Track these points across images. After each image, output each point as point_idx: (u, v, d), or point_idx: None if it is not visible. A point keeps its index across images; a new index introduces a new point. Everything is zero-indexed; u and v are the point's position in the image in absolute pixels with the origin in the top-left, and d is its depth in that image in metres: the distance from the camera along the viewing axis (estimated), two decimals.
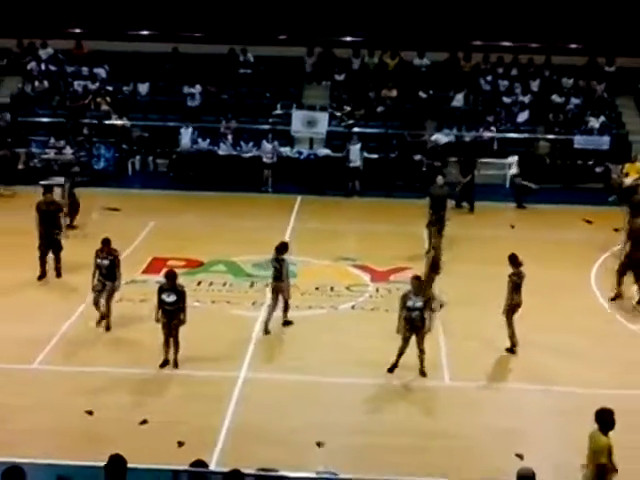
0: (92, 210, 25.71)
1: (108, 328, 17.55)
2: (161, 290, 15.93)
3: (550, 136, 31.63)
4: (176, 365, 16.00)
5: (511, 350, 17.09)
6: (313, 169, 29.99)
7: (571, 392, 15.60)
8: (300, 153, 30.85)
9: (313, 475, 11.84)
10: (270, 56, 34.45)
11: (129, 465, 9.35)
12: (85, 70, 34.01)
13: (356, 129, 31.14)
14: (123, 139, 31.26)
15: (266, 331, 17.81)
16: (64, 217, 21.79)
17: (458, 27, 33.58)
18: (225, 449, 13.30)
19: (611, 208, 25.92)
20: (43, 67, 34.13)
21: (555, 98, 33.36)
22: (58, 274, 20.34)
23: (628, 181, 29.18)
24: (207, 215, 25.69)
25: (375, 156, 30.39)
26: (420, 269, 20.86)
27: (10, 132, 30.72)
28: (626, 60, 33.98)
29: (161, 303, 15.83)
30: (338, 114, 32.23)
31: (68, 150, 30.02)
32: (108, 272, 17.41)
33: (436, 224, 22.65)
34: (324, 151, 30.89)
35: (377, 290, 20.09)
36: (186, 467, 9.91)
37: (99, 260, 17.42)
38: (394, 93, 33.21)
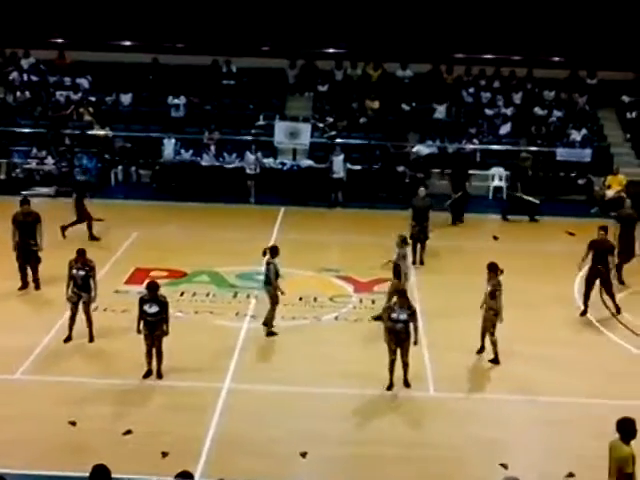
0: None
1: (91, 339, 17.42)
2: (142, 301, 15.81)
3: (532, 148, 31.74)
4: (159, 376, 15.93)
5: (495, 361, 17.11)
6: (296, 180, 30.00)
7: (555, 402, 15.62)
8: (283, 164, 30.84)
9: None
10: (253, 67, 34.52)
11: (113, 476, 9.28)
12: (67, 80, 33.94)
13: (339, 140, 31.16)
14: (105, 149, 31.18)
15: (269, 333, 18.02)
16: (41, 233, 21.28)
17: (441, 39, 33.69)
18: (209, 460, 13.22)
19: (593, 220, 25.98)
20: (25, 77, 34.02)
21: (537, 110, 33.51)
22: (37, 286, 20.04)
23: (610, 193, 29.37)
24: (190, 226, 25.63)
25: (358, 167, 30.42)
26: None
27: None
28: (607, 73, 34.21)
29: (143, 314, 15.73)
30: (321, 125, 32.25)
31: (50, 160, 29.97)
32: (83, 283, 17.20)
33: (419, 235, 22.75)
34: (307, 162, 30.92)
35: (361, 301, 20.08)
36: (171, 478, 9.82)
37: (74, 271, 17.19)
38: (376, 104, 33.27)
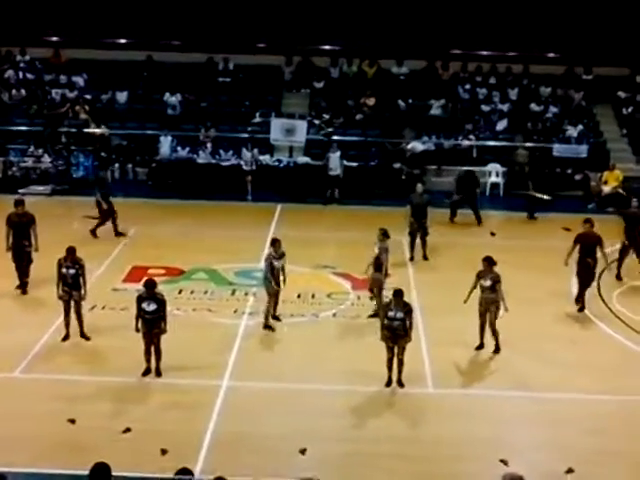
0: (72, 218, 25.70)
1: (83, 336, 17.37)
2: (140, 299, 15.78)
3: (529, 144, 31.76)
4: (158, 373, 15.92)
5: (497, 350, 17.29)
6: (293, 177, 30.02)
7: (553, 398, 15.64)
8: (279, 161, 30.86)
9: None
10: (249, 65, 34.53)
11: (113, 473, 9.28)
12: (63, 78, 33.95)
13: (335, 137, 31.18)
14: (102, 147, 31.13)
15: (265, 326, 18.22)
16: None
17: (436, 36, 33.70)
18: (209, 457, 13.22)
19: (590, 216, 25.99)
20: (21, 75, 33.98)
21: (533, 107, 33.57)
22: (23, 291, 19.85)
23: (607, 189, 29.43)
24: (187, 224, 25.60)
25: (355, 164, 30.44)
26: (402, 277, 21.06)
27: None
28: (603, 69, 34.29)
29: (141, 312, 15.70)
30: (317, 122, 32.26)
31: (46, 158, 29.94)
32: (74, 282, 17.12)
33: (418, 231, 22.79)
34: (304, 159, 30.93)
35: (358, 298, 20.07)
36: (171, 475, 9.83)
37: (64, 270, 17.10)
38: (372, 101, 33.27)
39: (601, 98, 34.36)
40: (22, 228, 19.82)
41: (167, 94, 33.08)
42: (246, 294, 20.15)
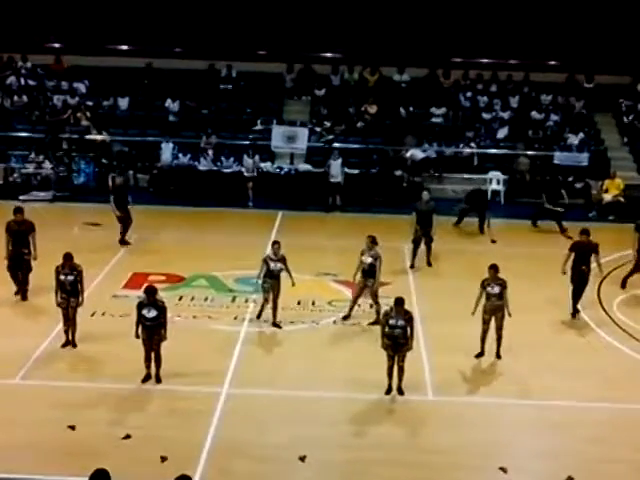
0: (73, 225, 25.73)
1: (74, 345, 17.32)
2: (141, 306, 15.74)
3: (530, 152, 31.81)
4: (158, 380, 15.90)
5: (499, 355, 17.37)
6: (294, 184, 30.04)
7: (553, 406, 15.61)
8: (281, 168, 30.89)
9: None
10: (250, 72, 34.58)
11: None
12: (65, 85, 34.00)
13: (336, 144, 31.22)
14: (103, 154, 31.16)
15: (272, 324, 18.73)
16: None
17: (438, 43, 33.75)
18: (208, 464, 13.19)
19: (591, 224, 26.00)
20: (22, 82, 34.03)
21: (534, 114, 33.62)
22: (24, 297, 19.78)
23: (608, 197, 29.43)
24: (188, 230, 25.66)
25: (356, 171, 30.46)
26: (401, 284, 21.08)
27: None
28: (605, 77, 34.34)
29: (141, 319, 15.67)
30: (318, 129, 32.31)
31: (47, 165, 29.97)
32: (72, 288, 17.06)
33: (422, 239, 22.83)
34: (305, 166, 30.96)
35: (359, 305, 20.00)
36: None
37: (62, 276, 17.03)
38: (374, 109, 33.30)
39: (602, 106, 34.41)
40: (21, 236, 19.72)
41: (168, 100, 33.13)
42: (246, 301, 20.15)
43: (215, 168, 30.71)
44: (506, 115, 33.75)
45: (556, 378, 16.62)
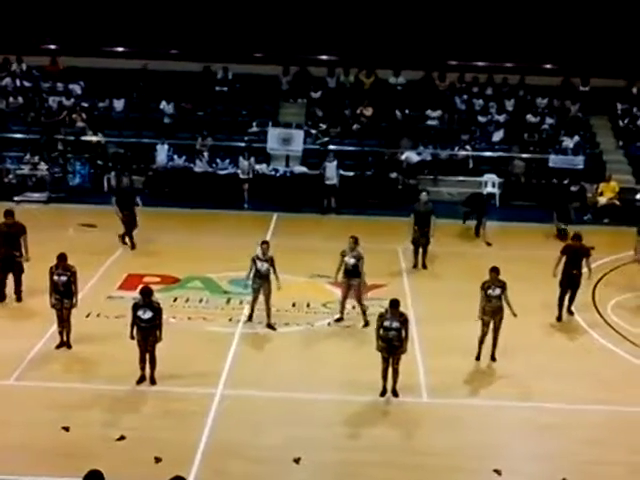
0: (68, 226, 25.71)
1: (69, 346, 17.28)
2: (136, 307, 15.71)
3: (525, 155, 31.85)
4: (153, 382, 15.88)
5: (494, 358, 17.40)
6: (289, 186, 30.05)
7: (547, 408, 15.62)
8: (276, 170, 30.89)
9: None
10: (246, 74, 34.58)
11: None
12: (60, 86, 33.96)
13: (332, 147, 31.23)
14: (98, 155, 31.15)
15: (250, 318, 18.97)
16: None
17: (433, 46, 33.76)
18: (203, 466, 13.18)
19: (587, 227, 26.11)
20: (18, 83, 34.00)
21: (530, 118, 33.64)
22: (18, 298, 19.73)
23: (603, 200, 29.47)
24: (183, 232, 25.63)
25: (351, 174, 30.47)
26: (396, 287, 21.10)
27: None
28: (600, 80, 34.35)
29: (136, 320, 15.65)
30: (314, 132, 32.32)
31: (43, 166, 29.94)
32: (65, 289, 17.01)
33: (421, 240, 22.87)
34: (300, 168, 30.97)
35: (353, 307, 20.01)
36: None
37: (56, 277, 16.99)
38: (369, 111, 33.32)
39: (597, 109, 34.45)
40: (12, 238, 19.67)
41: (163, 102, 33.12)
42: (241, 302, 20.12)
43: (210, 170, 30.73)
44: (501, 118, 33.79)
45: (551, 380, 16.63)
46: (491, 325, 17.13)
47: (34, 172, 29.92)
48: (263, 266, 18.52)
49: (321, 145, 31.69)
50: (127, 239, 24.00)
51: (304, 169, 30.94)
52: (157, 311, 15.68)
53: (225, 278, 21.63)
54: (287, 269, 21.26)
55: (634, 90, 34.71)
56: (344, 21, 33.61)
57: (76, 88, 33.92)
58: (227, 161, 30.78)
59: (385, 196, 29.89)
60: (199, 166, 30.77)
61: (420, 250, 23.16)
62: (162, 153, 30.82)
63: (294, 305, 20.21)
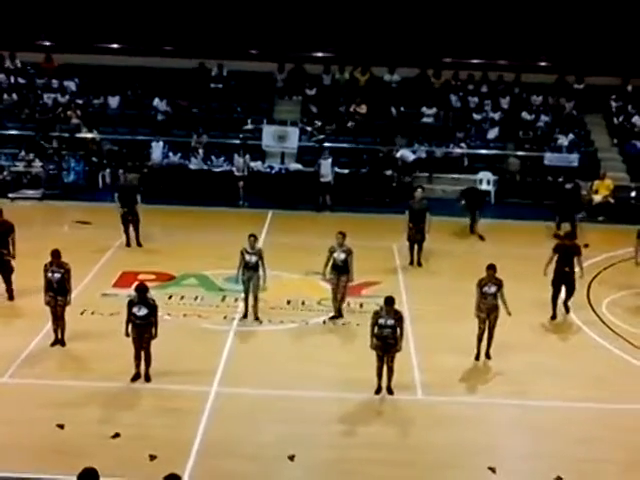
0: (62, 223, 25.68)
1: (63, 344, 17.27)
2: (131, 304, 15.70)
3: (520, 153, 31.88)
4: (147, 379, 15.87)
5: (489, 355, 17.41)
6: (284, 184, 30.04)
7: (541, 406, 15.64)
8: (271, 168, 30.88)
9: None
10: (241, 71, 34.55)
11: (101, 478, 9.25)
12: (55, 83, 33.93)
13: (327, 144, 31.22)
14: (93, 152, 31.11)
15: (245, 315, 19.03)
16: None
17: (428, 44, 33.77)
18: (197, 463, 13.18)
19: (581, 224, 26.18)
20: (12, 80, 33.95)
21: (525, 115, 33.67)
22: (10, 297, 19.59)
23: (597, 198, 29.50)
24: (178, 229, 25.60)
25: (346, 171, 30.48)
26: (391, 284, 21.09)
27: None
28: (595, 78, 34.37)
29: (131, 317, 15.64)
30: (309, 129, 32.31)
31: (37, 163, 29.90)
32: (59, 286, 16.97)
33: (416, 237, 22.88)
34: (295, 166, 30.96)
35: (348, 304, 20.02)
36: None
37: (49, 274, 16.96)
38: (363, 109, 33.32)
39: (592, 107, 34.48)
40: (0, 237, 19.57)
41: (157, 100, 33.08)
42: (236, 300, 20.10)
43: (205, 167, 30.72)
44: (496, 116, 33.80)
45: (546, 378, 16.65)
46: (487, 323, 17.14)
47: (29, 169, 29.87)
48: (252, 259, 18.63)
49: (316, 142, 31.69)
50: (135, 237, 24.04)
51: (299, 166, 30.94)
52: (152, 308, 15.68)
53: (220, 275, 21.61)
54: (282, 266, 21.34)
55: (629, 88, 34.74)
56: (339, 18, 33.61)
57: (71, 85, 33.90)
58: (222, 158, 30.76)
59: (380, 193, 29.90)
60: (194, 163, 30.75)
61: (415, 247, 23.17)
62: (157, 150, 30.78)
63: (289, 302, 20.21)
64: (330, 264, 19.27)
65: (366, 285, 21.18)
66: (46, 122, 31.96)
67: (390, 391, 15.75)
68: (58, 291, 17.01)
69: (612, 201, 29.57)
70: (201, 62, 34.60)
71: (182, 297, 20.34)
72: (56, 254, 17.06)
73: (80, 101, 33.19)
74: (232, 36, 33.75)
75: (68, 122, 32.04)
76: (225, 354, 17.31)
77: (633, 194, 30.38)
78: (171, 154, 30.99)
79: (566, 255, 19.68)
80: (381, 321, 15.48)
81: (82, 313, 18.71)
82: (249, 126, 32.27)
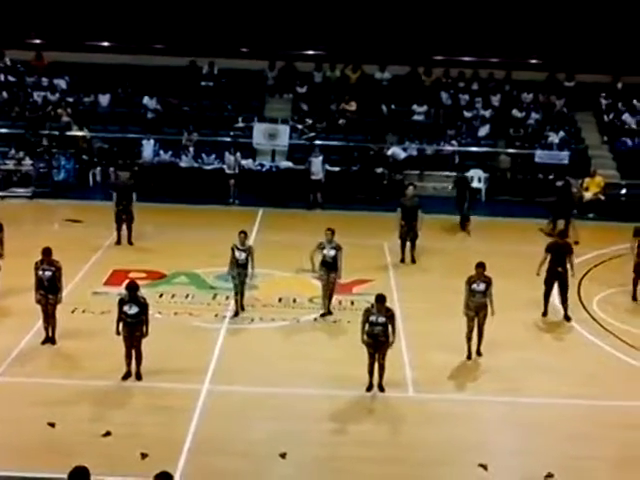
0: (53, 221, 25.63)
1: (54, 342, 17.21)
2: (122, 302, 15.67)
3: (511, 150, 31.93)
4: (138, 377, 15.85)
5: (480, 353, 17.40)
6: (275, 181, 30.05)
7: (533, 403, 15.66)
8: (262, 165, 30.88)
9: None
10: (232, 69, 34.54)
11: (92, 477, 9.23)
12: (45, 81, 33.86)
13: (318, 142, 31.22)
14: (84, 150, 31.06)
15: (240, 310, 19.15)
16: None
17: (419, 41, 33.81)
18: (189, 461, 13.16)
19: (573, 222, 26.18)
20: (2, 78, 33.87)
21: (515, 113, 33.72)
22: None
23: (588, 195, 29.56)
24: (169, 227, 25.56)
25: (337, 169, 30.49)
26: (382, 281, 21.09)
27: None
28: (585, 76, 34.47)
29: (122, 315, 15.61)
30: (300, 127, 32.31)
31: (27, 161, 29.84)
32: (50, 284, 16.91)
33: (408, 234, 22.91)
34: (286, 163, 30.98)
35: (340, 302, 20.04)
36: (151, 479, 9.78)
37: (40, 272, 16.91)
38: (353, 106, 33.33)
39: (583, 105, 34.56)
40: None
41: (146, 97, 33.03)
42: (227, 298, 20.08)
43: (196, 165, 30.72)
44: (487, 113, 33.85)
45: (536, 375, 16.67)
46: (476, 320, 17.15)
47: (19, 167, 29.82)
48: (241, 255, 18.68)
49: (307, 140, 31.69)
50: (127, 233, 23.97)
51: (290, 164, 30.96)
52: (143, 306, 15.65)
53: (211, 273, 21.59)
54: (273, 264, 21.36)
55: (619, 85, 34.82)
56: (330, 16, 33.62)
57: (61, 83, 33.85)
58: (213, 156, 30.77)
59: (371, 191, 29.92)
60: (185, 161, 30.75)
61: (408, 244, 23.19)
62: (148, 148, 30.76)
63: (280, 300, 20.21)
64: (320, 260, 19.25)
65: (357, 283, 21.20)
66: (36, 120, 31.89)
67: (381, 388, 15.76)
68: (49, 289, 16.96)
69: (602, 198, 29.66)
70: (192, 60, 34.57)
71: (173, 295, 20.32)
72: (47, 252, 17.01)
73: (70, 99, 33.16)
74: (223, 34, 33.73)
75: (58, 120, 31.97)
76: (216, 352, 17.29)
77: (623, 191, 30.50)
78: (162, 152, 31.00)
79: (559, 254, 19.68)
80: (372, 318, 15.47)
81: (73, 311, 18.67)
82: (240, 124, 32.27)
